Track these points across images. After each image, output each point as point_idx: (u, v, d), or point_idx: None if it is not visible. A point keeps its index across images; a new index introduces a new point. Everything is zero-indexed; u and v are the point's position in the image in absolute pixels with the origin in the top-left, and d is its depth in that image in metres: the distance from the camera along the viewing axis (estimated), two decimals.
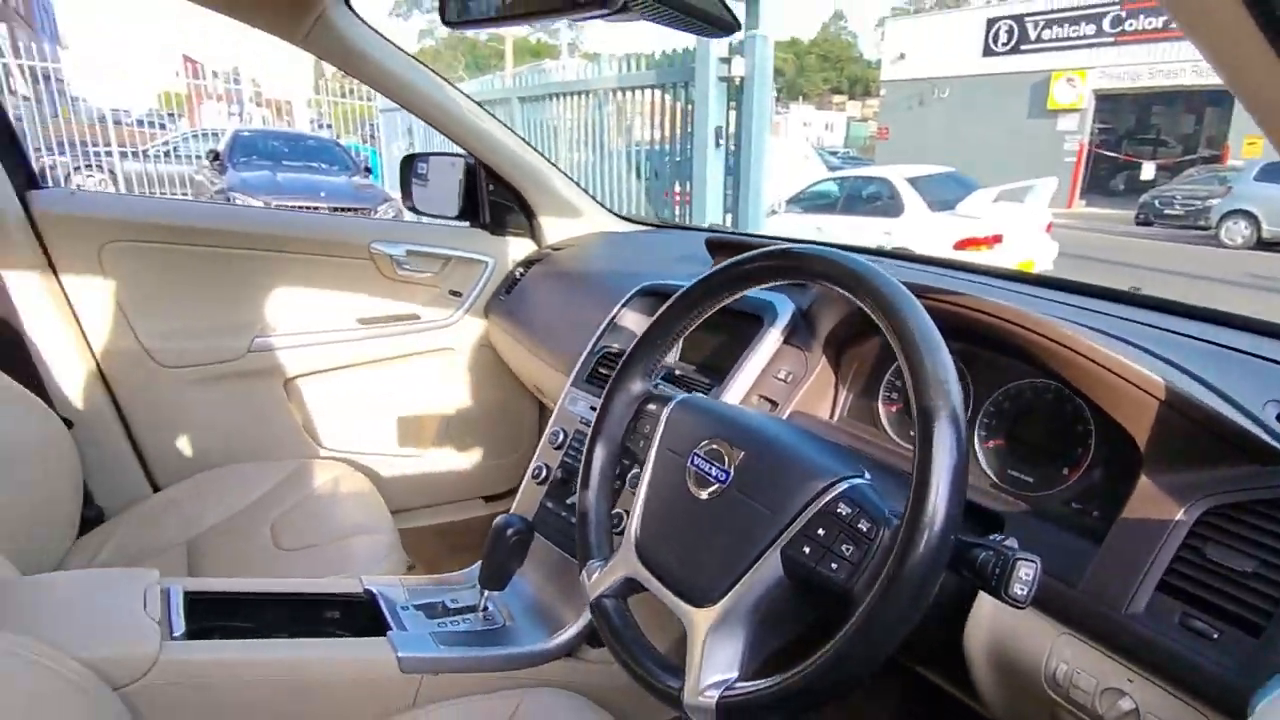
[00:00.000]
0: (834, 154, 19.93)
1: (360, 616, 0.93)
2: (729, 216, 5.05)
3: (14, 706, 0.59)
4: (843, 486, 0.57)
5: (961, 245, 6.47)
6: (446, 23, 0.93)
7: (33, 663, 0.63)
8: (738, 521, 0.60)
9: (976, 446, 0.83)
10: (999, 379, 0.82)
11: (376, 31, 1.37)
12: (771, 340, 1.01)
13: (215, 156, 8.22)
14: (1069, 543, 0.68)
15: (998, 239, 6.64)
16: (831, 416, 0.98)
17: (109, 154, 9.44)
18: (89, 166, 9.50)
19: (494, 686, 0.91)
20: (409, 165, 1.84)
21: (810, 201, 8.23)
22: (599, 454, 0.77)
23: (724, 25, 0.91)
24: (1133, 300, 0.96)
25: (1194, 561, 0.60)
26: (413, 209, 1.81)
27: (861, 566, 0.53)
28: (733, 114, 4.80)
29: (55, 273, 1.31)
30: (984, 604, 0.70)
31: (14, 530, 1.03)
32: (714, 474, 0.63)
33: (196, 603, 0.85)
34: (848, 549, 0.54)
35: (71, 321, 1.33)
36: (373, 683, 0.85)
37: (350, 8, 1.31)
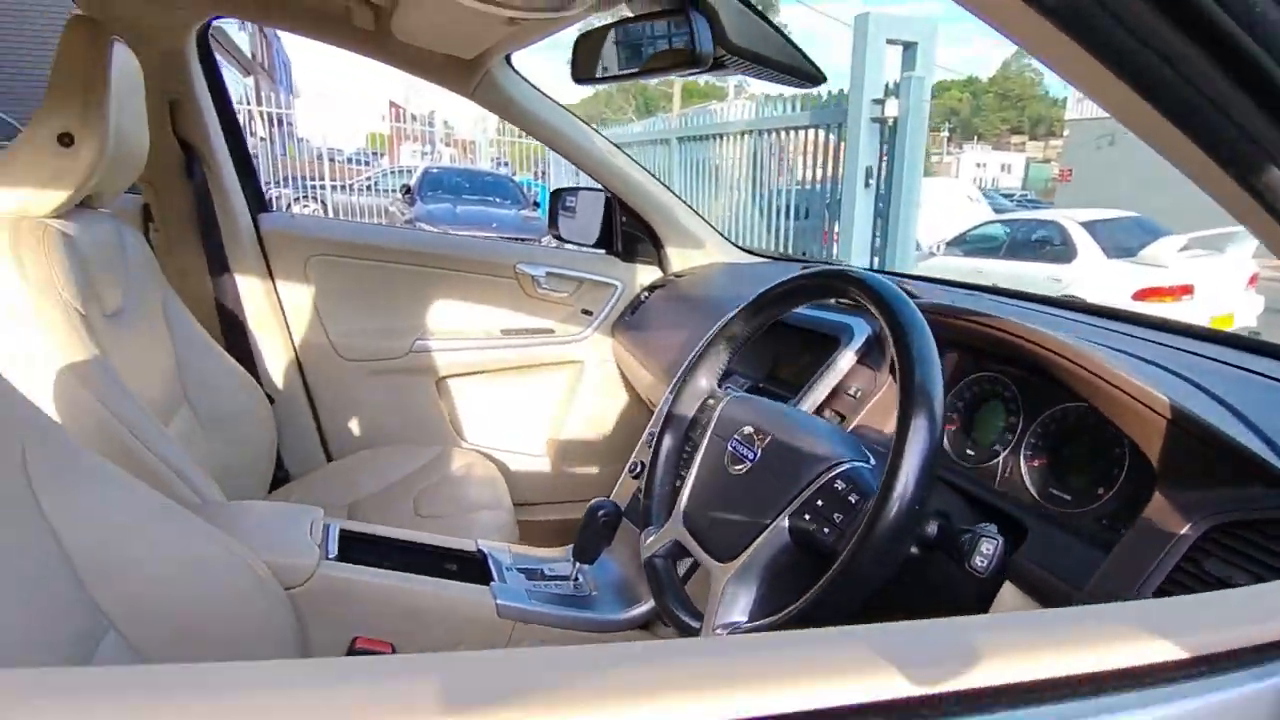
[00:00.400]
0: (1008, 196, 18.85)
1: (471, 568, 1.11)
2: (876, 259, 5.01)
3: (225, 584, 0.82)
4: (843, 467, 0.67)
5: (1142, 296, 5.93)
6: (576, 80, 1.12)
7: (239, 557, 0.85)
8: (759, 493, 0.71)
9: (1022, 465, 0.88)
10: (1046, 402, 0.87)
11: (532, 85, 1.61)
12: (845, 360, 1.10)
13: (407, 190, 9.24)
14: (1089, 554, 0.73)
15: (1186, 290, 6.02)
16: None
17: (323, 187, 10.85)
18: (306, 198, 10.96)
19: (573, 643, 1.06)
20: (557, 198, 2.08)
21: (972, 245, 7.89)
22: (667, 440, 0.90)
23: (809, 77, 1.03)
24: (1205, 336, 0.96)
25: (1192, 573, 0.63)
26: (557, 237, 2.04)
27: (847, 531, 0.63)
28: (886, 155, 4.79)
29: (272, 279, 1.64)
30: (1004, 600, 0.76)
31: (225, 475, 1.31)
32: (746, 454, 0.75)
33: (347, 538, 1.06)
34: (838, 517, 0.64)
35: (281, 318, 1.66)
36: (473, 621, 1.02)
37: (511, 67, 1.56)
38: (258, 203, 1.65)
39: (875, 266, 5.03)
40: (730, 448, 0.77)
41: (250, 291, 1.60)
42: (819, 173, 5.47)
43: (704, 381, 0.91)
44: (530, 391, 1.89)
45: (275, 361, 1.65)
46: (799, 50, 1.00)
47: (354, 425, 1.75)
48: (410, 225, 8.18)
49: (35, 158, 1.01)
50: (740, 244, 1.95)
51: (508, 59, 1.53)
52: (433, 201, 8.78)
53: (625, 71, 1.04)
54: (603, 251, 1.91)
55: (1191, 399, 0.69)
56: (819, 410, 1.09)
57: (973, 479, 0.89)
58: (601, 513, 1.11)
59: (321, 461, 1.71)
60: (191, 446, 1.27)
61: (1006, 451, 0.90)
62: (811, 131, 5.41)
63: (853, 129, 4.80)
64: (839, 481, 0.66)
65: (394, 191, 10.52)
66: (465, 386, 1.85)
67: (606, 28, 1.03)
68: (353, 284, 1.71)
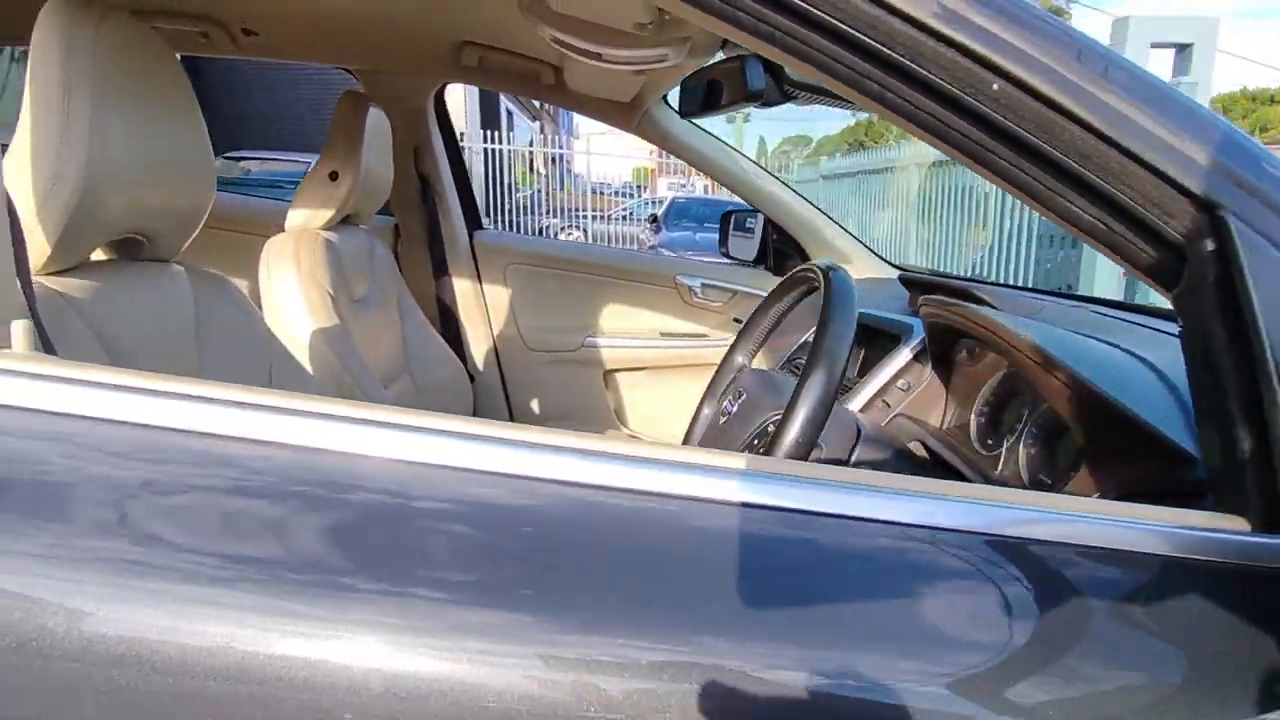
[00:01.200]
0: None
1: None
2: (1126, 293, 4.47)
3: None
4: (780, 415, 0.82)
5: None
6: (681, 115, 1.36)
7: None
8: (729, 437, 0.88)
9: (1021, 453, 0.93)
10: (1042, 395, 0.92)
11: (688, 120, 1.87)
12: (902, 357, 1.20)
13: (654, 219, 9.98)
14: None
15: None
16: (941, 424, 1.13)
17: (585, 217, 12.10)
18: (571, 227, 12.30)
19: None
20: (727, 220, 2.31)
21: None
22: (705, 409, 1.10)
23: None
24: None
25: None
26: (725, 254, 2.27)
27: None
28: None
29: (480, 282, 2.07)
30: None
31: None
32: (730, 409, 0.92)
33: None
34: (763, 453, 0.79)
35: (484, 313, 2.09)
36: None
37: (668, 104, 1.83)
38: (474, 222, 2.10)
39: (1128, 298, 4.48)
40: (724, 405, 0.95)
41: (463, 291, 2.05)
42: None
43: (740, 358, 1.09)
44: (683, 388, 2.13)
45: (478, 347, 2.07)
46: None
47: (535, 404, 2.12)
48: (653, 250, 8.84)
49: (314, 189, 1.48)
50: (891, 259, 2.02)
51: (665, 99, 1.81)
52: (676, 229, 9.40)
53: (710, 107, 1.25)
54: (759, 267, 2.10)
55: (1129, 380, 0.74)
56: (872, 400, 1.20)
57: (971, 463, 0.96)
58: None
59: None
60: (405, 406, 1.69)
61: (1013, 441, 0.96)
62: None
63: None
64: (771, 425, 0.81)
65: (643, 220, 11.41)
66: (627, 379, 2.14)
67: (694, 73, 1.25)
68: (540, 287, 2.10)
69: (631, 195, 18.32)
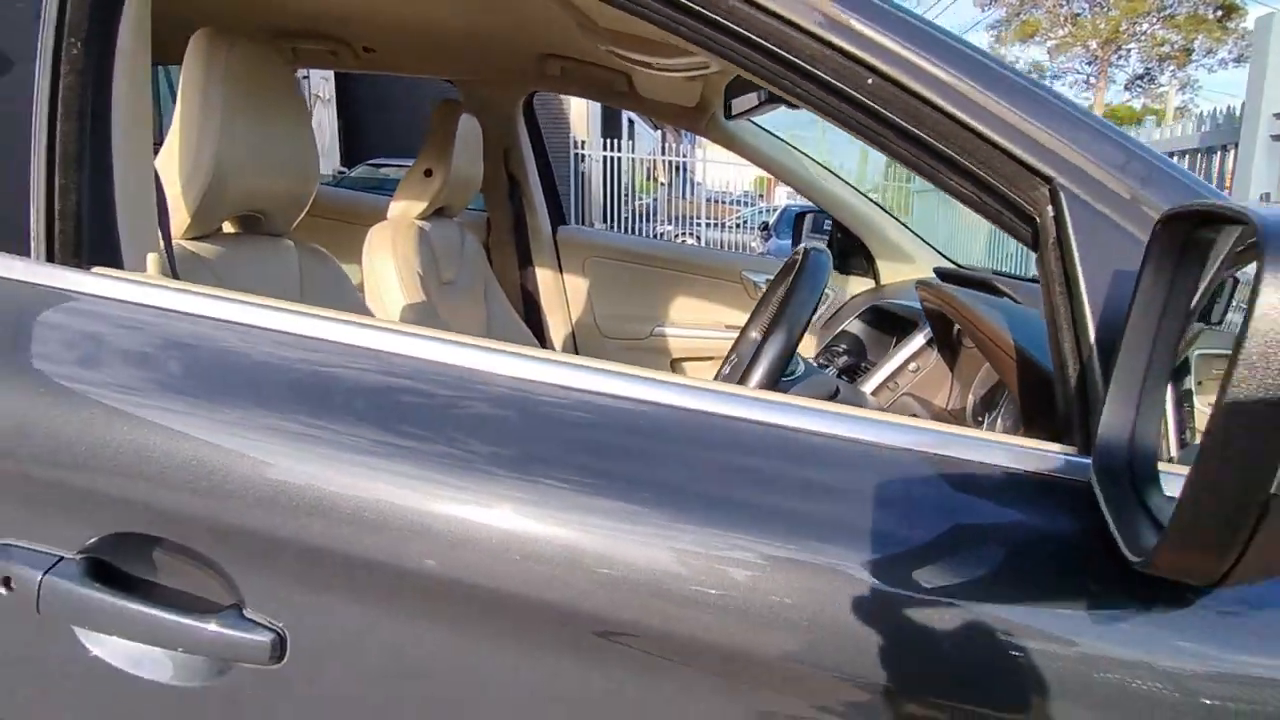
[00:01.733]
0: None
1: None
2: None
3: None
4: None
5: None
6: (726, 118, 1.48)
7: None
8: None
9: (998, 427, 1.00)
10: None
11: (753, 123, 1.98)
12: (916, 343, 1.27)
13: (765, 227, 9.99)
14: None
15: None
16: (946, 405, 1.19)
17: (699, 225, 12.24)
18: (686, 234, 12.48)
19: None
20: (799, 220, 2.40)
21: None
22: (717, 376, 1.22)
23: None
24: None
25: None
26: None
27: None
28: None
29: (561, 272, 2.27)
30: None
31: None
32: (725, 372, 1.04)
33: None
34: None
35: (564, 301, 2.28)
36: None
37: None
38: (558, 218, 2.30)
39: None
40: (723, 370, 1.07)
41: (545, 280, 2.25)
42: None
43: (754, 334, 1.20)
44: None
45: (556, 332, 2.27)
46: None
47: None
48: (762, 257, 8.87)
49: (412, 184, 1.71)
50: (955, 259, 2.04)
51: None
52: (786, 237, 9.36)
53: (747, 109, 1.37)
54: None
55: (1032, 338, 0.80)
56: (885, 381, 1.28)
57: None
58: None
59: None
60: None
61: (993, 416, 1.02)
62: (1209, 155, 4.65)
63: (1245, 149, 4.06)
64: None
65: (757, 228, 11.42)
66: (693, 368, 2.27)
67: (733, 80, 1.38)
68: (615, 279, 2.27)
69: (749, 204, 18.22)
